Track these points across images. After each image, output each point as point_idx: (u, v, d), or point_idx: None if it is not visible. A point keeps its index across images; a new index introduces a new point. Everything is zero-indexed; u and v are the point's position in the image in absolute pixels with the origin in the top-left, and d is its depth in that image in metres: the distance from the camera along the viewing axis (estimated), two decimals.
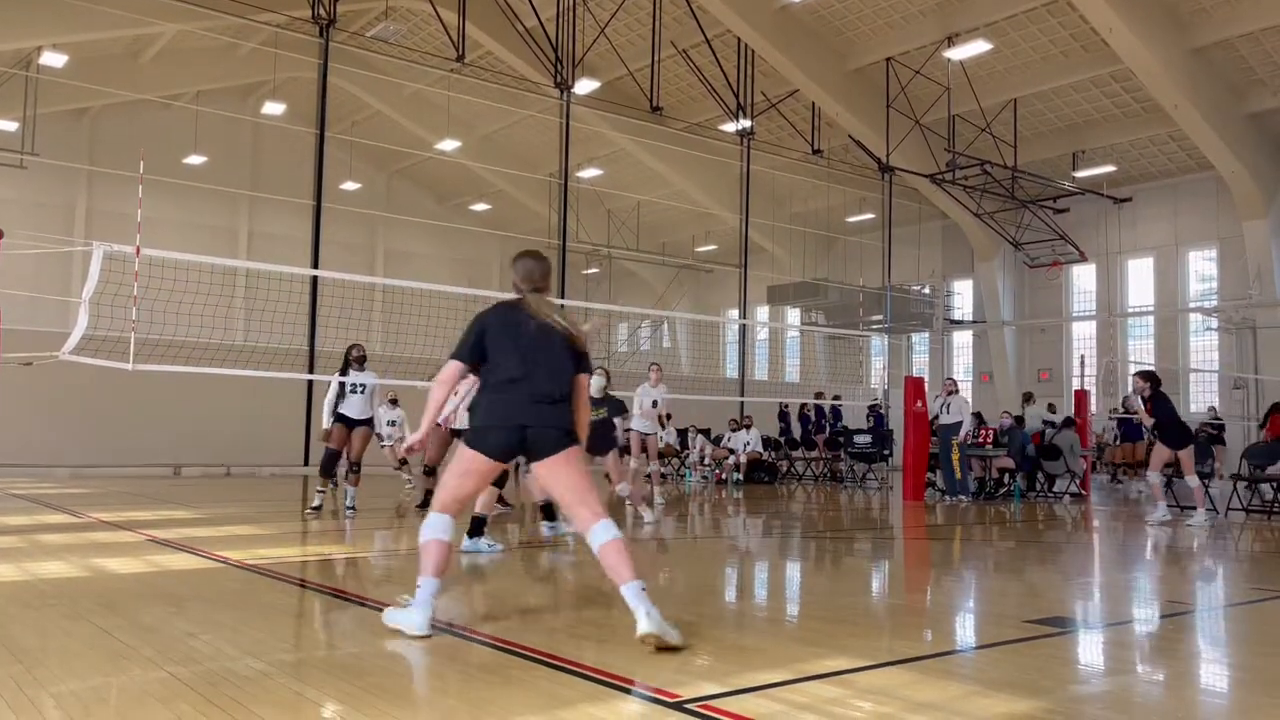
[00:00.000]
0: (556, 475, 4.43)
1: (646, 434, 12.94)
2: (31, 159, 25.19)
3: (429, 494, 10.10)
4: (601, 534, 4.30)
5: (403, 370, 14.34)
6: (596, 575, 6.78)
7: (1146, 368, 11.98)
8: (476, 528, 7.36)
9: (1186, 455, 11.08)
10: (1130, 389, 14.08)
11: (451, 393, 4.75)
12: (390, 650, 4.12)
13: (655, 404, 12.75)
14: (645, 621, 4.00)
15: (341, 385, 10.16)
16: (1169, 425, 11.11)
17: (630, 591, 4.14)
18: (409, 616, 4.29)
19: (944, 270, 31.59)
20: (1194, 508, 11.23)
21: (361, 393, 10.12)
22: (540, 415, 4.37)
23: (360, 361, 10.28)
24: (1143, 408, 11.42)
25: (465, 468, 4.48)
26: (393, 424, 14.73)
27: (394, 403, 14.85)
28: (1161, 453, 11.23)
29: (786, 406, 22.57)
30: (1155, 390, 11.18)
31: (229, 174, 29.30)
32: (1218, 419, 21.89)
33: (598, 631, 4.69)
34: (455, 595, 5.72)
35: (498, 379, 4.44)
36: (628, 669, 3.74)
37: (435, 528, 4.44)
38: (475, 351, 4.49)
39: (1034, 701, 3.43)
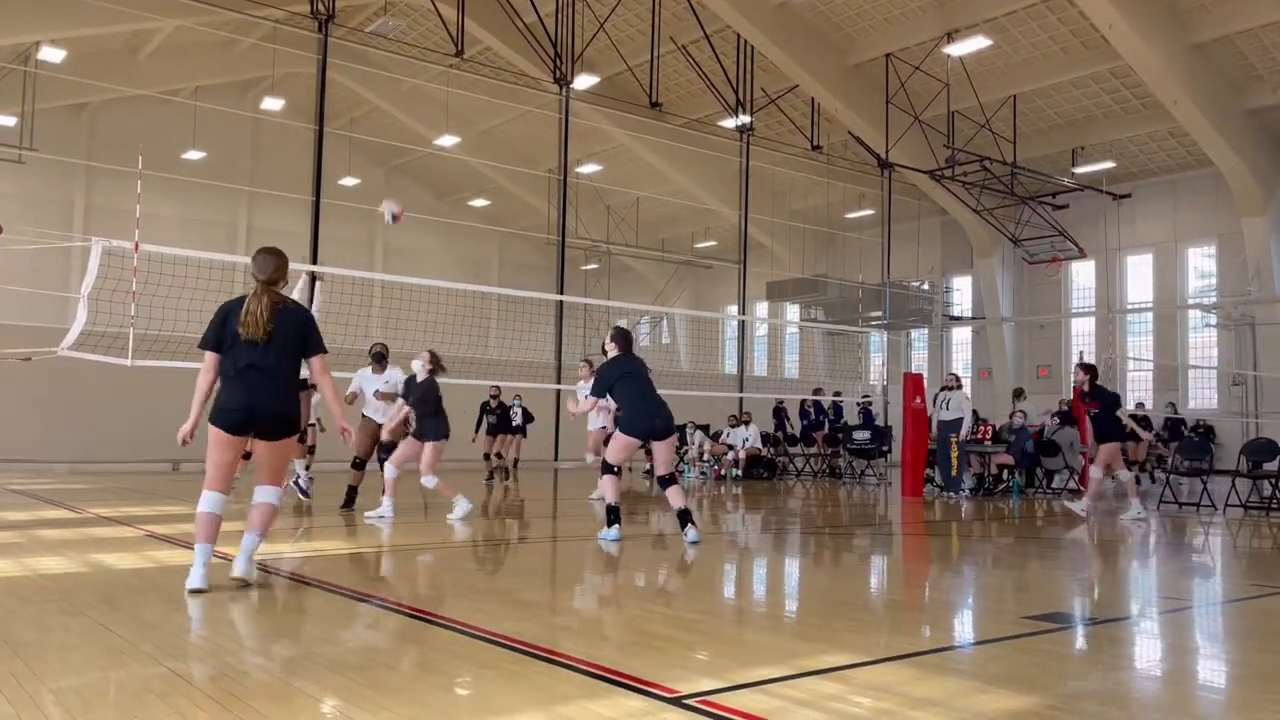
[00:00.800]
0: (271, 452, 5.32)
1: (592, 430, 12.74)
2: (30, 154, 25.15)
3: (353, 490, 10.08)
4: (261, 494, 5.42)
5: (401, 366, 14.32)
6: (596, 571, 6.79)
7: (1088, 360, 12.21)
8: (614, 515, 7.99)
9: (1107, 450, 11.16)
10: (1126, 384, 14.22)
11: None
12: (389, 645, 4.13)
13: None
14: (237, 566, 5.29)
15: None
16: (1107, 417, 11.16)
17: (247, 539, 5.35)
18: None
19: (943, 266, 31.60)
20: (1200, 505, 11.24)
21: None
22: (268, 400, 5.17)
23: None
24: (1082, 400, 11.57)
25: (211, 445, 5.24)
26: None
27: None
28: (1113, 449, 11.27)
29: (782, 403, 22.56)
30: (1094, 383, 11.25)
31: (228, 169, 29.27)
32: (1142, 414, 21.21)
33: (597, 627, 4.69)
34: (454, 589, 5.73)
35: (233, 366, 5.17)
36: (626, 664, 3.75)
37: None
38: (214, 340, 5.23)
39: (1032, 697, 3.44)
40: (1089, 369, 11.46)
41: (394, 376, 10.15)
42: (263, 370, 5.15)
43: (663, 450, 8.15)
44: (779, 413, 22.17)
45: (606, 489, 8.12)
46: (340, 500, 10.02)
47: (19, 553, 6.59)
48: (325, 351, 5.36)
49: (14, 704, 3.13)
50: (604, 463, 8.20)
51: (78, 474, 16.06)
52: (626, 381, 8.06)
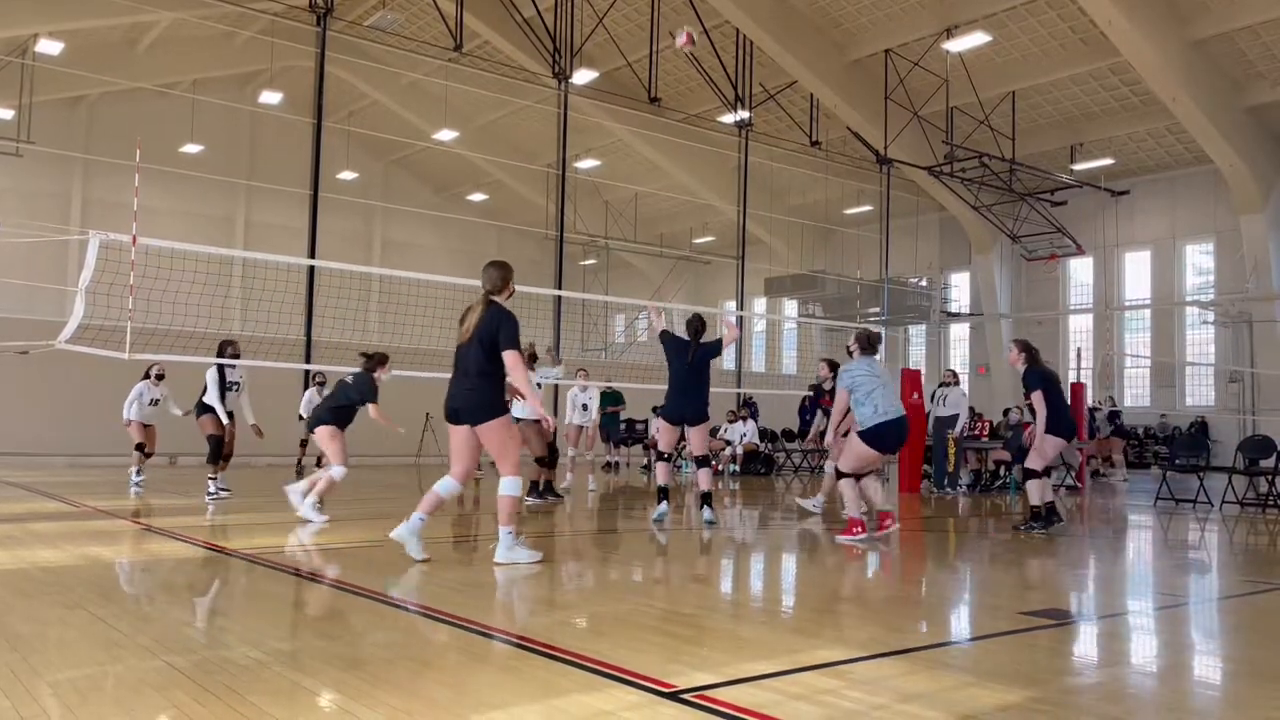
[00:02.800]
0: (482, 437, 6.12)
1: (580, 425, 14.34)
2: (27, 147, 25.10)
3: (548, 483, 11.33)
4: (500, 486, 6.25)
5: (399, 360, 14.27)
6: (593, 566, 6.79)
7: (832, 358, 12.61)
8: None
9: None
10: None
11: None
12: (387, 640, 4.13)
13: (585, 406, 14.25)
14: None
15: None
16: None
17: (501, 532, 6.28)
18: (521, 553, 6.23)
19: (941, 263, 31.60)
20: (1196, 501, 11.25)
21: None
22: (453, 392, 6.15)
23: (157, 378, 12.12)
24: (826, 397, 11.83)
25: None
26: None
27: (321, 385, 14.93)
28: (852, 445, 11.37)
29: (751, 398, 22.42)
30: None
31: (226, 163, 29.20)
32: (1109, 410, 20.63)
33: (593, 621, 4.70)
34: (451, 585, 5.73)
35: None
36: (623, 659, 3.75)
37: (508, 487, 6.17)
38: None
39: (1027, 692, 3.45)
40: (834, 366, 11.80)
41: (546, 373, 11.39)
42: (458, 369, 6.17)
43: (694, 435, 9.12)
44: (750, 404, 21.78)
45: (659, 472, 9.26)
46: (538, 492, 11.03)
47: (16, 546, 6.59)
48: (515, 348, 6.06)
49: (11, 697, 3.14)
50: (656, 450, 9.46)
51: (75, 467, 16.07)
52: (670, 365, 9.14)
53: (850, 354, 8.33)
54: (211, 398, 10.35)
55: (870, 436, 8.01)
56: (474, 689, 3.41)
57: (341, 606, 5.00)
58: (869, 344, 8.30)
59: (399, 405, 20.54)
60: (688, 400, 8.95)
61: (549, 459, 11.23)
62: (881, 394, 8.00)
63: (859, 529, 7.97)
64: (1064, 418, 9.12)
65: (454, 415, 6.13)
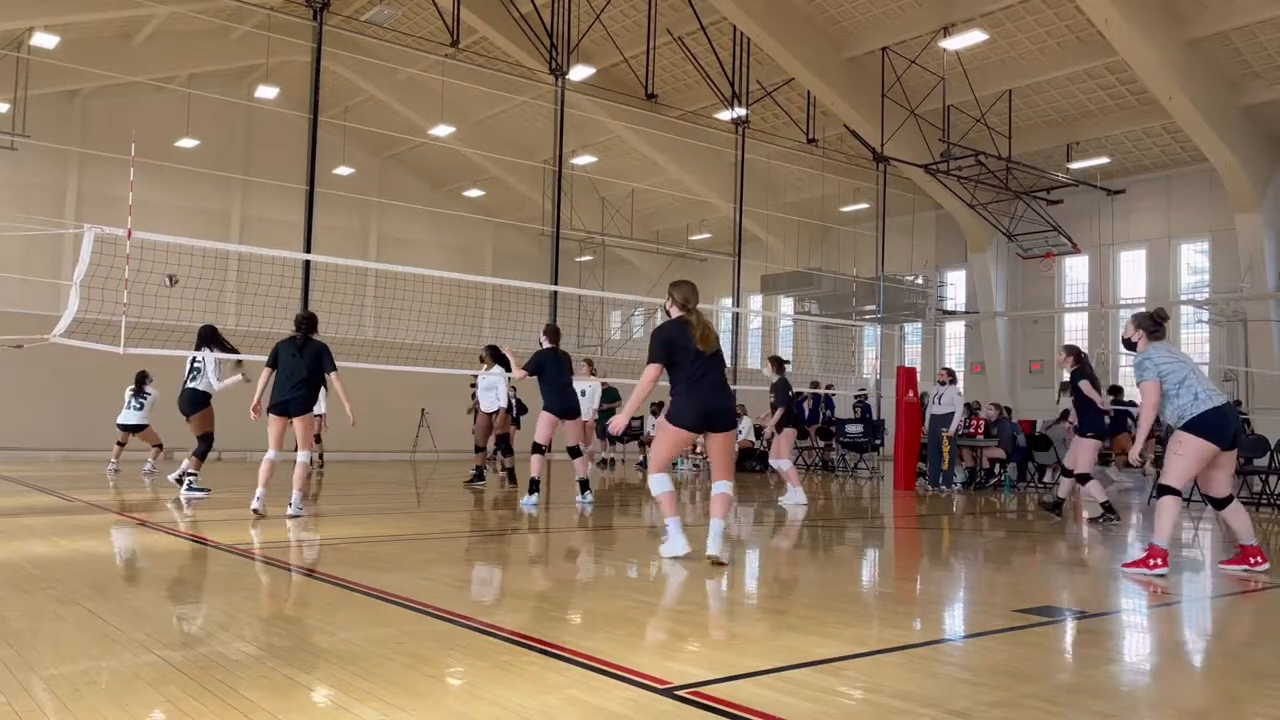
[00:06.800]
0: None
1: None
2: (22, 140, 25.04)
3: (480, 470, 12.54)
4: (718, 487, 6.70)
5: (396, 356, 14.30)
6: (589, 562, 6.79)
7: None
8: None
9: (783, 437, 12.20)
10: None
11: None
12: (382, 635, 4.13)
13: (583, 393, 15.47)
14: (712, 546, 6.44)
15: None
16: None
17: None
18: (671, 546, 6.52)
19: (937, 261, 31.62)
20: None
21: None
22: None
23: None
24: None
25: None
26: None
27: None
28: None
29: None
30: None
31: (222, 158, 29.15)
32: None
33: (589, 618, 4.70)
34: (447, 580, 5.73)
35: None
36: (618, 655, 3.76)
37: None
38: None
39: (1021, 689, 3.45)
40: (776, 364, 12.65)
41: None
42: (710, 378, 6.64)
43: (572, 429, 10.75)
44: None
45: (578, 467, 10.64)
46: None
47: (9, 540, 6.58)
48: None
49: (5, 692, 3.13)
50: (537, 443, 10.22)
51: (69, 461, 16.03)
52: (551, 373, 10.42)
53: (1130, 344, 6.87)
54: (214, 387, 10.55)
55: (1200, 426, 6.45)
56: (468, 684, 3.41)
57: (336, 601, 5.00)
58: (1157, 326, 6.83)
59: (398, 401, 20.68)
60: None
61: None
62: (1195, 378, 6.60)
63: (1159, 561, 6.51)
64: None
65: (726, 420, 6.59)
